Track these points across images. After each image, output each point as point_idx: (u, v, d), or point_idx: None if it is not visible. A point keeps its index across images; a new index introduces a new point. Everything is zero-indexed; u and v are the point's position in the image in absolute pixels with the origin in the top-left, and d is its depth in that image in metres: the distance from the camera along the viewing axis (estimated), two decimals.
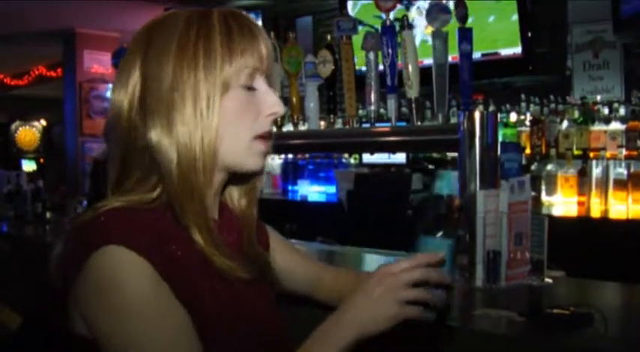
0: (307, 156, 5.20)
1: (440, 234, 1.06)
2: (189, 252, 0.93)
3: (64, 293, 0.90)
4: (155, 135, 0.92)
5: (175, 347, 0.87)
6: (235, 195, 1.10)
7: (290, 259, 1.25)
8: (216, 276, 0.96)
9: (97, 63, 7.47)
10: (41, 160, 11.52)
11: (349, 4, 4.69)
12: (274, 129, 1.07)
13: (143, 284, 0.85)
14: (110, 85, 7.42)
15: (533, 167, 3.72)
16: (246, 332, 0.99)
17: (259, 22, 5.57)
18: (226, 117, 0.93)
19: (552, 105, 3.92)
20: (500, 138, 1.59)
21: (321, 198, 4.93)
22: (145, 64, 0.93)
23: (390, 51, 1.85)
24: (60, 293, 0.89)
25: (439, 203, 1.07)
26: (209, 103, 0.91)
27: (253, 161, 0.99)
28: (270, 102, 0.98)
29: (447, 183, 1.07)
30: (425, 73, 1.82)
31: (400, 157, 4.51)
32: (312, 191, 5.13)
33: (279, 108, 0.99)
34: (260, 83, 0.98)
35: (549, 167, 3.65)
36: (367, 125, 1.98)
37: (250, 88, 0.96)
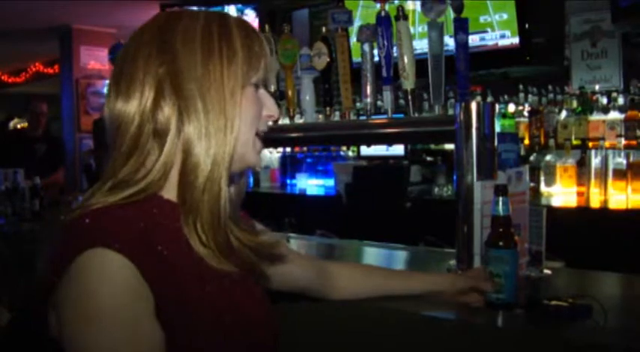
0: (305, 149, 5.18)
1: (501, 245, 1.31)
2: (177, 251, 0.92)
3: (50, 294, 0.88)
4: (188, 127, 0.94)
5: None
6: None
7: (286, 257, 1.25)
8: (206, 275, 0.95)
9: (94, 59, 7.44)
10: None
11: None
12: (270, 123, 1.09)
13: (120, 296, 0.84)
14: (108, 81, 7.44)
15: (531, 158, 3.71)
16: (237, 332, 0.98)
17: (256, 16, 5.57)
18: (242, 110, 0.98)
19: (551, 96, 3.90)
20: (498, 129, 1.59)
21: (320, 192, 4.92)
22: (172, 62, 0.95)
23: (385, 42, 1.83)
24: (47, 293, 0.88)
25: (498, 220, 1.32)
26: (233, 96, 0.96)
27: (254, 156, 1.03)
28: (270, 105, 1.04)
29: (506, 207, 1.32)
30: (421, 64, 1.80)
31: (398, 149, 4.50)
32: (310, 184, 5.13)
33: (277, 113, 1.06)
34: (261, 86, 1.04)
35: (548, 157, 3.64)
36: (364, 118, 1.97)
37: (257, 87, 1.02)
